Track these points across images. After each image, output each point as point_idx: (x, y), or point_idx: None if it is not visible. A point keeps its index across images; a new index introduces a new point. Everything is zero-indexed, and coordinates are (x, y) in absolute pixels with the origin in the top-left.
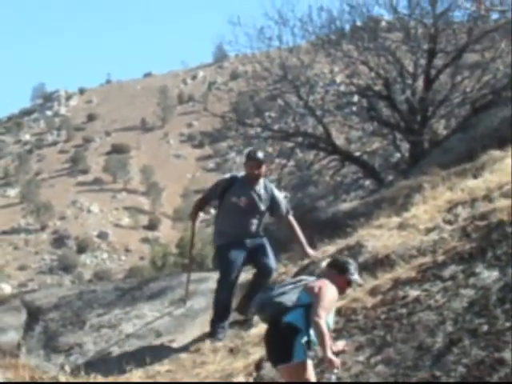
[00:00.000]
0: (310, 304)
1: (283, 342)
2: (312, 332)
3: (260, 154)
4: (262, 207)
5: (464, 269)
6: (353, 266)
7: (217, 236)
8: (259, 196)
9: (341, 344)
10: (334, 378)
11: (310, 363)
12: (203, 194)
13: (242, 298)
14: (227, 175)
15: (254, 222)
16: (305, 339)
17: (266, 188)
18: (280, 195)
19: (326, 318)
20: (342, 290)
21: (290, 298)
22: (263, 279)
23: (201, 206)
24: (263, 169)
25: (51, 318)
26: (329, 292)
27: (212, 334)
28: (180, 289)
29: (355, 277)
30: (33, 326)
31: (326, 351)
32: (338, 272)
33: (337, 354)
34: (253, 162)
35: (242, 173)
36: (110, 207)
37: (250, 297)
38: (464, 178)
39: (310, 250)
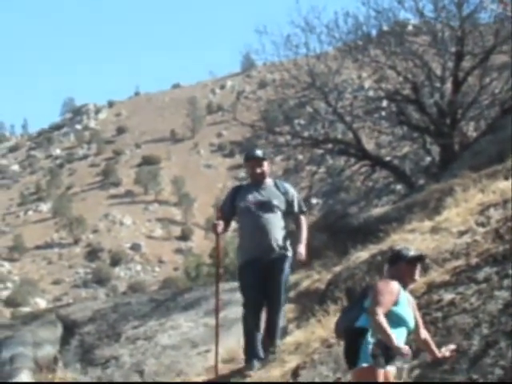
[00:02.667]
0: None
1: (351, 346)
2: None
3: (258, 152)
4: (275, 202)
5: (498, 271)
6: (403, 248)
7: (237, 253)
8: (269, 193)
9: (447, 350)
10: (406, 367)
11: (387, 371)
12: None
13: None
14: (233, 185)
15: (272, 221)
16: (372, 341)
17: (276, 185)
18: (294, 193)
19: (399, 315)
20: (410, 277)
21: (358, 308)
22: (270, 316)
23: (222, 220)
24: (266, 166)
25: (87, 331)
26: (381, 287)
27: (246, 365)
28: (213, 299)
29: (411, 253)
30: (69, 340)
31: (391, 341)
32: (393, 263)
33: (453, 352)
34: (252, 161)
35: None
36: (143, 219)
37: (268, 331)
38: (495, 179)
39: (302, 250)
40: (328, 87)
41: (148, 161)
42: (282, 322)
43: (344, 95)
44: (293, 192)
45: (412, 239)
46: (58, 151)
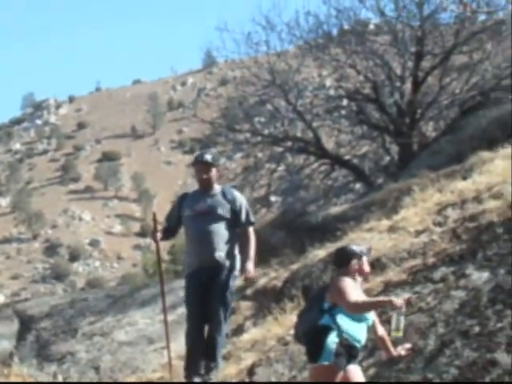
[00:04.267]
0: (332, 306)
1: (314, 341)
2: (349, 332)
3: (208, 156)
4: (220, 211)
5: (455, 270)
6: (348, 247)
7: (184, 263)
8: (215, 201)
9: (403, 349)
10: (402, 319)
11: (346, 370)
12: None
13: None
14: (179, 194)
15: (216, 231)
16: (337, 340)
17: (224, 193)
18: (243, 202)
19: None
20: (361, 272)
21: (317, 309)
22: (210, 335)
23: (161, 227)
24: (213, 172)
25: (43, 326)
26: (341, 284)
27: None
28: (172, 296)
29: (358, 248)
30: (25, 335)
31: (384, 302)
32: (344, 265)
33: (409, 351)
34: (200, 164)
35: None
36: (102, 215)
37: (208, 345)
38: (453, 179)
39: (250, 267)
40: (288, 85)
41: (108, 157)
42: (222, 343)
43: (304, 93)
44: (241, 201)
45: (369, 238)
46: (17, 146)
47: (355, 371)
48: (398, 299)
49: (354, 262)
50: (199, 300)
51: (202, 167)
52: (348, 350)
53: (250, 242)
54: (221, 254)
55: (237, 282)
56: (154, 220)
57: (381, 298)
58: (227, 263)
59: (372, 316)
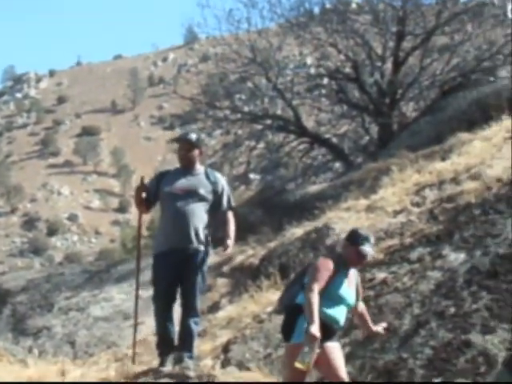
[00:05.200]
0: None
1: (287, 321)
2: (326, 312)
3: (193, 136)
4: (201, 191)
5: (431, 251)
6: (363, 237)
7: (154, 241)
8: (197, 181)
9: (380, 327)
10: (306, 350)
11: (324, 347)
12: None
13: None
14: (160, 170)
15: (195, 212)
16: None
17: (207, 174)
18: (225, 185)
19: (336, 292)
20: (354, 261)
21: (299, 284)
22: (183, 320)
23: (145, 200)
24: (196, 152)
25: (19, 300)
26: (319, 264)
27: (160, 361)
28: (148, 271)
29: (364, 247)
30: (1, 309)
31: (310, 321)
32: (349, 243)
33: (374, 335)
34: (182, 143)
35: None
36: (81, 189)
37: (181, 335)
38: (432, 160)
39: (230, 243)
40: (269, 63)
41: (88, 131)
42: (196, 326)
43: (285, 72)
44: (223, 184)
45: (347, 217)
46: None
47: (333, 348)
48: (316, 334)
49: (351, 248)
50: (169, 281)
51: (185, 146)
52: (323, 329)
53: (231, 223)
54: (198, 234)
55: (213, 258)
56: (142, 185)
57: (315, 318)
58: (202, 247)
59: (353, 297)
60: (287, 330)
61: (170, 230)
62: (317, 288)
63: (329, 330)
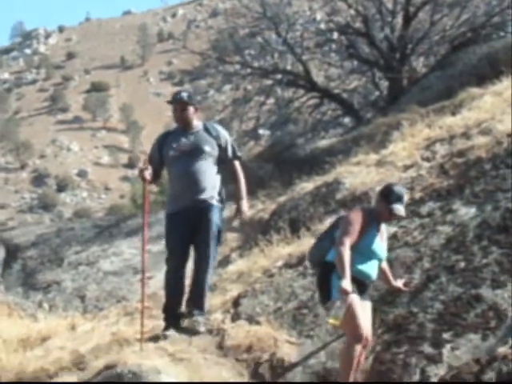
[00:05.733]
0: None
1: (322, 281)
2: (360, 268)
3: (183, 94)
4: (206, 148)
5: (441, 206)
6: (396, 194)
7: (166, 204)
8: (199, 138)
9: (400, 282)
10: (338, 304)
11: (355, 299)
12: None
13: (189, 290)
14: (160, 133)
15: (202, 169)
16: None
17: (207, 129)
18: (227, 136)
19: (369, 246)
20: (384, 217)
21: (329, 238)
22: (197, 274)
23: (150, 166)
24: (190, 110)
25: (29, 255)
26: (351, 217)
27: (164, 326)
28: (158, 225)
29: (394, 205)
30: (11, 264)
31: (342, 277)
32: (381, 198)
33: (406, 286)
34: (175, 104)
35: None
36: (90, 146)
37: (193, 291)
38: (442, 115)
39: (244, 207)
40: (279, 18)
41: (97, 87)
42: (209, 281)
43: (295, 27)
44: (225, 135)
45: (357, 172)
46: (6, 75)
47: (365, 305)
48: (348, 289)
49: (383, 203)
50: (182, 240)
51: (178, 106)
52: (356, 286)
53: (240, 180)
54: (208, 191)
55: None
56: (147, 161)
57: (347, 274)
58: (213, 202)
59: (384, 251)
60: (324, 290)
61: (179, 190)
62: (348, 242)
63: (361, 285)
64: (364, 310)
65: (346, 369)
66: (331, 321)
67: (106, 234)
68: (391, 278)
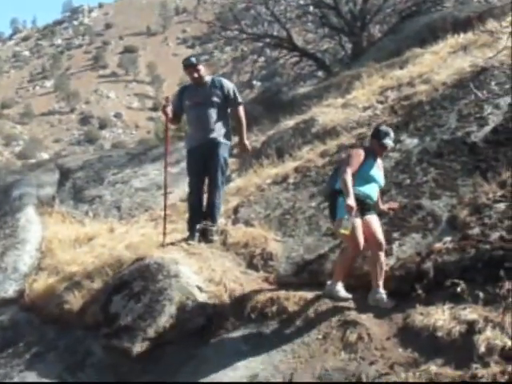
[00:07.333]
0: None
1: (331, 204)
2: (360, 189)
3: (192, 59)
4: (214, 98)
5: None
6: (383, 132)
7: (185, 141)
8: (208, 91)
9: (393, 204)
10: (346, 218)
11: (364, 219)
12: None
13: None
14: (180, 87)
15: (211, 115)
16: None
17: (214, 83)
18: (230, 86)
19: (369, 174)
20: (378, 152)
21: (336, 174)
22: (209, 197)
23: (171, 107)
24: (201, 70)
25: (78, 176)
26: (351, 153)
27: (189, 235)
28: (176, 153)
29: (385, 140)
30: (64, 183)
31: (346, 197)
32: (373, 138)
33: (390, 210)
34: (188, 68)
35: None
36: (124, 94)
37: (208, 207)
38: (393, 69)
39: (246, 142)
40: None
41: (129, 50)
42: (219, 202)
43: (280, 2)
44: (228, 85)
45: (327, 112)
46: (59, 41)
47: (370, 218)
48: (354, 206)
49: (374, 141)
50: (199, 169)
51: (190, 69)
52: (359, 204)
53: (242, 122)
54: (215, 132)
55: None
56: (166, 101)
57: (350, 193)
58: (222, 139)
59: (382, 179)
60: (333, 211)
61: (195, 131)
62: (350, 170)
63: (364, 204)
64: (372, 223)
65: (340, 263)
66: (342, 231)
67: (136, 159)
68: (380, 202)
